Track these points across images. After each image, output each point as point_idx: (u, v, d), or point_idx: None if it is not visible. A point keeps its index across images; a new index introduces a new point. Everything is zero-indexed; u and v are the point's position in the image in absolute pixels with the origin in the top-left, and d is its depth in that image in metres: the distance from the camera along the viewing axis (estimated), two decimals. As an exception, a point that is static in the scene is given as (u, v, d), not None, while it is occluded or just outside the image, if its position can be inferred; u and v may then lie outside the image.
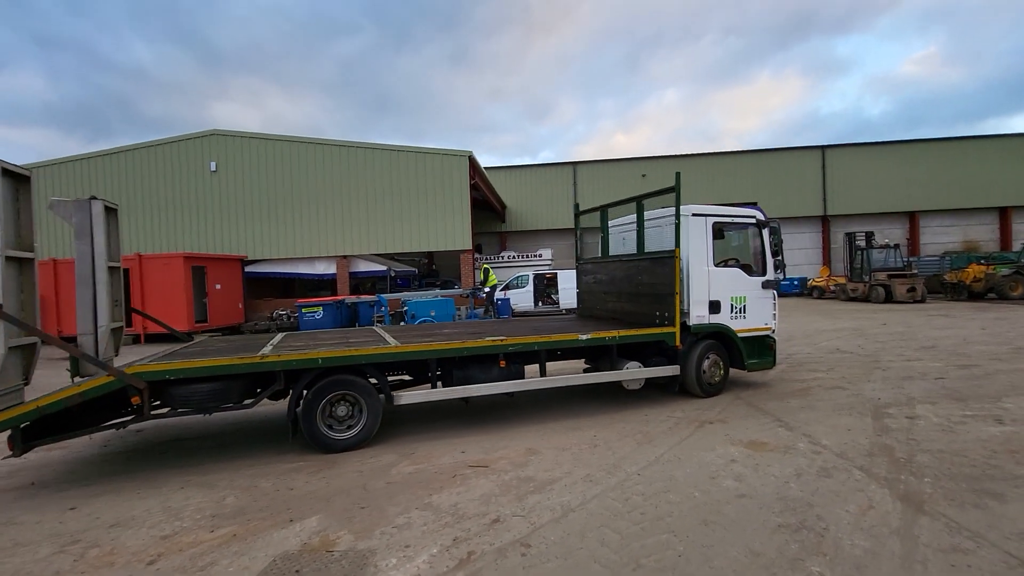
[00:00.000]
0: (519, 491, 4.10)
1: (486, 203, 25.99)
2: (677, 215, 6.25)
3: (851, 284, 22.91)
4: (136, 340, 15.66)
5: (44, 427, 4.52)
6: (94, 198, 5.19)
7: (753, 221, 7.06)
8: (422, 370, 5.90)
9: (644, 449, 4.98)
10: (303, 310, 15.65)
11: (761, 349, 6.95)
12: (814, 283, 26.67)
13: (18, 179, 4.53)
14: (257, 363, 4.87)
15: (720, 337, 6.66)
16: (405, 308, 14.32)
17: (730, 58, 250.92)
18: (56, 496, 4.35)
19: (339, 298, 15.82)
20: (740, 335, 6.71)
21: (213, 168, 19.70)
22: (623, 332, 6.18)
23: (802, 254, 30.60)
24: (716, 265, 6.63)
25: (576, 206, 8.95)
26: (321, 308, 15.64)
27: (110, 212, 5.55)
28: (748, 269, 6.95)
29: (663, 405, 6.45)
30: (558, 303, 19.26)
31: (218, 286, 17.27)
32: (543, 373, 5.96)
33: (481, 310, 16.10)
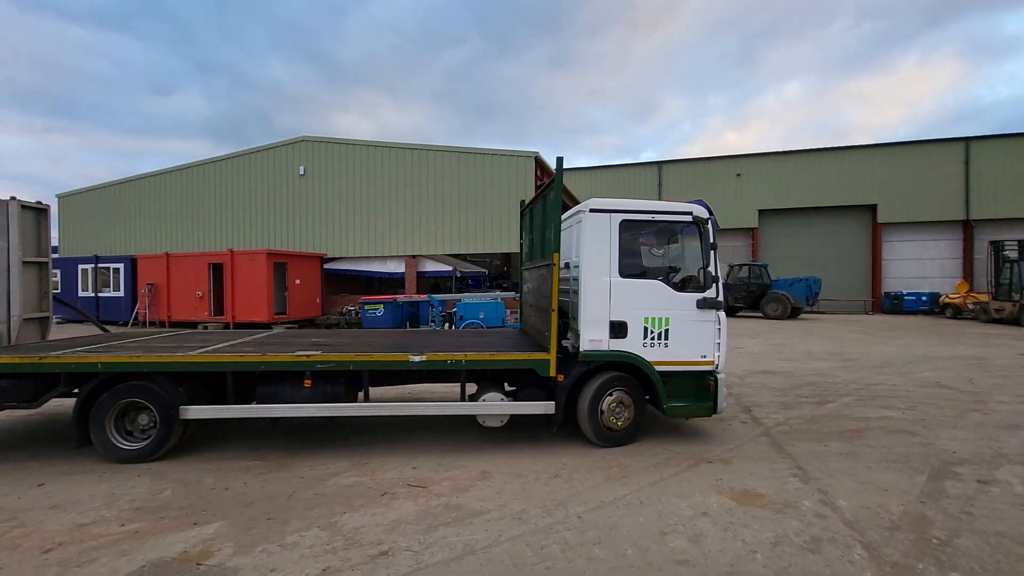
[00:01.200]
0: (435, 521, 3.71)
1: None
2: (557, 211, 5.09)
3: (995, 303, 19.10)
4: (226, 326, 17.44)
5: None
6: (13, 199, 5.74)
7: (688, 219, 5.27)
8: (220, 383, 5.14)
9: (608, 486, 4.32)
10: (366, 307, 16.37)
11: (694, 389, 5.32)
12: (948, 299, 22.62)
13: (38, 211, 6.15)
14: (35, 364, 4.74)
15: (630, 369, 5.23)
16: (455, 309, 14.38)
17: (866, 44, 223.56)
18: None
19: (392, 297, 16.29)
20: (658, 368, 5.17)
21: (301, 172, 21.42)
22: (474, 356, 5.05)
23: (935, 265, 26.16)
24: (625, 276, 5.18)
25: (522, 202, 7.66)
26: (382, 306, 16.25)
27: (38, 212, 6.15)
28: (680, 283, 5.42)
29: (669, 436, 5.63)
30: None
31: (297, 281, 18.68)
32: (367, 397, 5.17)
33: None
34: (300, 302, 18.72)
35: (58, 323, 19.44)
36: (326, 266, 20.95)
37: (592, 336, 5.11)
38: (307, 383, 5.01)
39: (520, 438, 5.58)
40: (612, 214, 5.19)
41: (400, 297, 16.70)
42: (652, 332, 5.16)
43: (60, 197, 27.16)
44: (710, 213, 5.36)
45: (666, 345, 5.17)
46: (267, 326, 17.31)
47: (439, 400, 6.31)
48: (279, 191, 21.98)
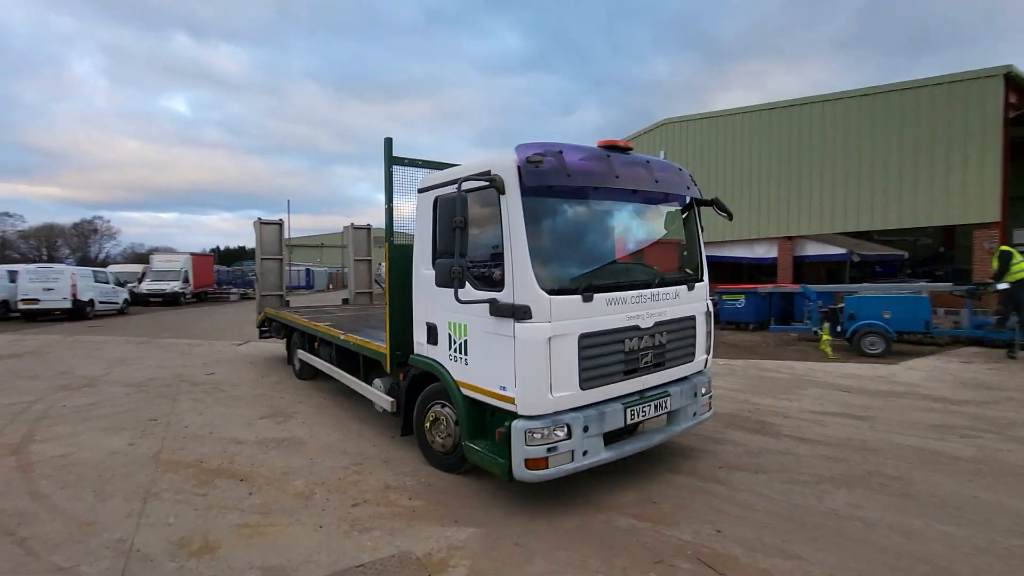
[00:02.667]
0: None
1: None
2: (388, 192, 4.78)
3: None
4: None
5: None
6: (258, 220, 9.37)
7: (484, 182, 3.45)
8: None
9: None
10: (723, 297, 14.51)
11: (490, 429, 3.67)
12: None
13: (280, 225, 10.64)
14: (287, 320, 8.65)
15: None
16: (842, 305, 10.83)
17: None
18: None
19: (754, 287, 13.70)
20: (462, 390, 3.83)
21: (661, 157, 20.93)
22: (353, 338, 5.75)
23: None
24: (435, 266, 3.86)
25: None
26: (743, 296, 14.05)
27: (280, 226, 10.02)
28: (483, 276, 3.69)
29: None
30: None
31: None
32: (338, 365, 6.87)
33: (995, 315, 10.16)
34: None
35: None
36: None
37: (417, 338, 4.43)
38: (315, 345, 7.28)
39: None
40: (432, 191, 4.18)
41: (765, 287, 14.00)
42: (454, 341, 3.93)
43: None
44: (522, 162, 3.34)
45: (466, 362, 3.84)
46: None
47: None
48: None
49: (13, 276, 18.17)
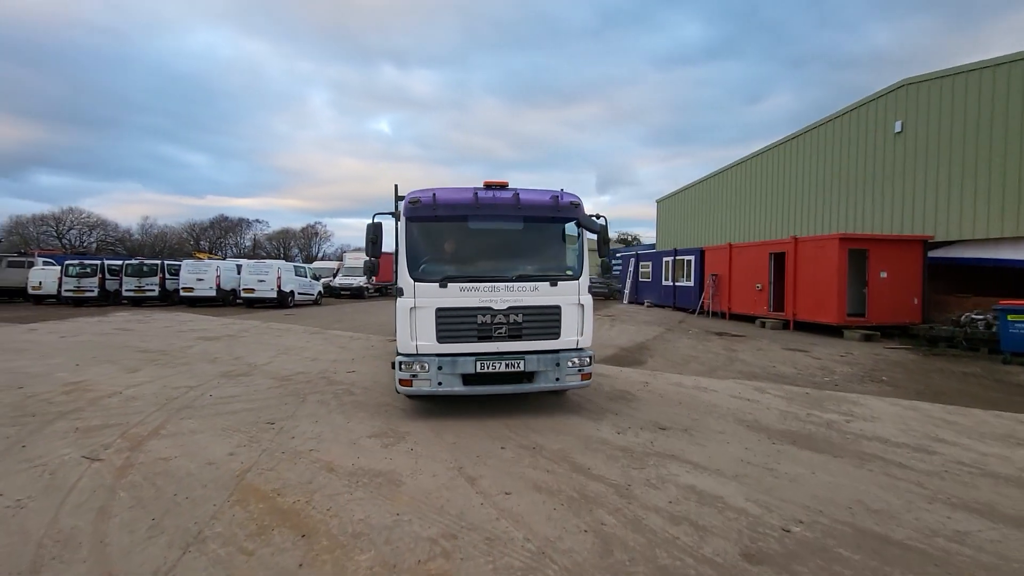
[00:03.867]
0: None
1: None
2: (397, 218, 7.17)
3: None
4: (784, 326, 15.23)
5: None
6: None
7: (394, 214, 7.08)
8: None
9: None
10: (1009, 318, 10.12)
11: None
12: None
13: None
14: None
15: None
16: None
17: None
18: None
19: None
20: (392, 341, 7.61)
21: (898, 129, 16.04)
22: None
23: None
24: None
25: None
26: (1043, 317, 9.55)
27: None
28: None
29: None
30: None
31: (884, 274, 13.98)
32: None
33: None
34: (887, 302, 13.98)
35: (649, 306, 23.14)
36: (932, 253, 14.83)
37: None
38: None
39: None
40: (377, 217, 6.37)
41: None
42: None
43: (658, 202, 32.88)
44: (411, 204, 5.66)
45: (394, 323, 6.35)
46: (836, 330, 13.88)
47: None
48: (863, 159, 17.43)
49: (239, 269, 21.64)
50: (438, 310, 5.31)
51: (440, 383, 5.27)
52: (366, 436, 5.10)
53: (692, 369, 9.09)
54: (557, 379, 5.51)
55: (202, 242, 66.18)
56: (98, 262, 21.26)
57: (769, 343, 12.45)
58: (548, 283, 5.54)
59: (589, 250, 6.13)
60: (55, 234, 56.03)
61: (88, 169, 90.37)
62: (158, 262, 21.78)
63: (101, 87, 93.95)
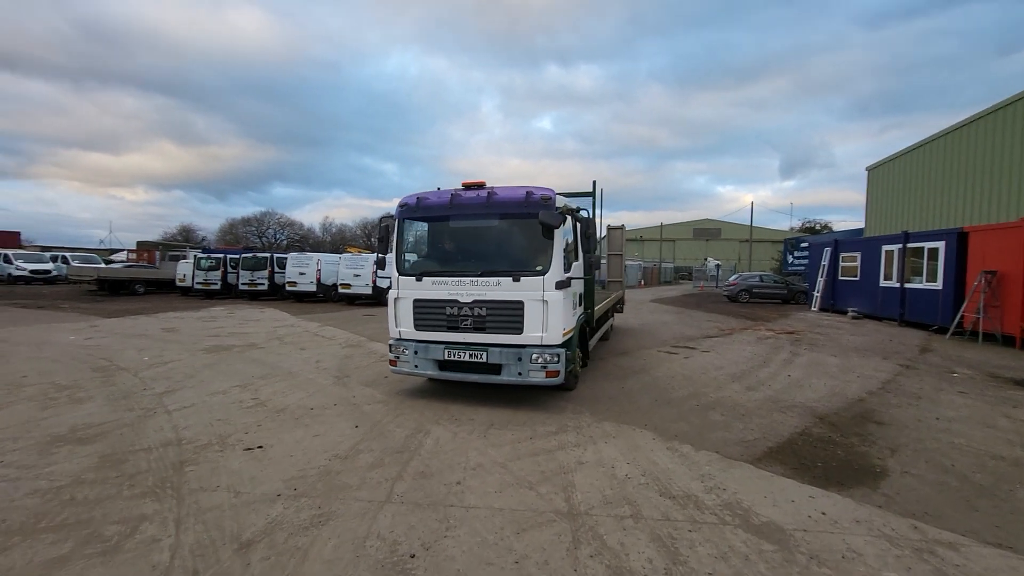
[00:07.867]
0: None
1: None
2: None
3: None
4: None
5: None
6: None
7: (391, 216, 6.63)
8: None
9: None
10: None
11: None
12: None
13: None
14: None
15: None
16: None
17: None
18: None
19: None
20: None
21: None
22: None
23: None
24: None
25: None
26: None
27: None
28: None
29: None
30: None
31: None
32: None
33: None
34: None
35: (855, 317, 15.70)
36: None
37: None
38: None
39: None
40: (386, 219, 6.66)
41: None
42: None
43: (868, 169, 23.83)
44: (402, 207, 6.40)
45: None
46: None
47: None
48: None
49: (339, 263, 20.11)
50: (415, 301, 5.96)
51: (416, 366, 5.97)
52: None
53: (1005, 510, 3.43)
54: (520, 373, 5.59)
55: (372, 238, 71.87)
56: (221, 256, 21.63)
57: None
58: (511, 278, 5.62)
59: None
60: (256, 233, 65.38)
61: (310, 181, 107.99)
62: (267, 255, 21.44)
63: (320, 112, 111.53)
